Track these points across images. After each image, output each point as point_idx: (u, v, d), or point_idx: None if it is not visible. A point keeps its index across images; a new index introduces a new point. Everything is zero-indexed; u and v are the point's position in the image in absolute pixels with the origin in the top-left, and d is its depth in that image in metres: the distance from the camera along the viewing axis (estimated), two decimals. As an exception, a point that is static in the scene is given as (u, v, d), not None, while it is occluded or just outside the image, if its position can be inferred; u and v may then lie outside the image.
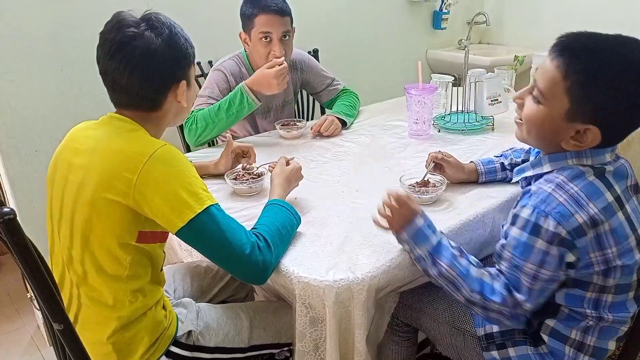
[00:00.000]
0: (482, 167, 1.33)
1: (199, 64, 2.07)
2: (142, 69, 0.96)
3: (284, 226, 1.07)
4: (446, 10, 3.06)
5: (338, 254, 1.05)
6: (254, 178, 1.36)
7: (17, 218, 0.77)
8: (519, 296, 0.90)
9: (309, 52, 2.25)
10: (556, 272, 0.89)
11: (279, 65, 1.63)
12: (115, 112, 1.03)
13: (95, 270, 0.98)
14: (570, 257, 0.87)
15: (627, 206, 0.90)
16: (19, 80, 1.76)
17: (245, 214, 1.23)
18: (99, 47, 0.98)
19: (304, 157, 1.59)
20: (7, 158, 1.79)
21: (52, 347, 1.88)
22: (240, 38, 1.79)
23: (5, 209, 0.76)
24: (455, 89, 1.92)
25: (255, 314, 1.18)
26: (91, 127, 1.04)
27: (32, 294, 1.90)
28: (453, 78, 2.00)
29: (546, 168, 0.94)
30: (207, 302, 1.26)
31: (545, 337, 0.99)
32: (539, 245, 0.86)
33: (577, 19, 2.87)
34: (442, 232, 1.03)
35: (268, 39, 1.71)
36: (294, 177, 1.26)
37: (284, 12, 1.71)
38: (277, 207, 1.11)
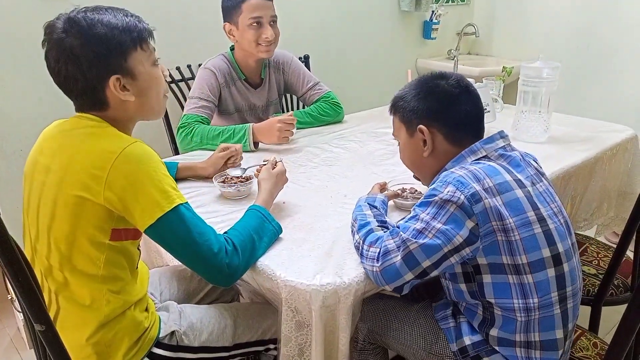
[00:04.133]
0: None
1: (189, 66, 2.07)
2: (65, 71, 0.94)
3: (256, 231, 1.06)
4: (436, 21, 3.10)
5: (325, 258, 1.05)
6: (242, 181, 1.36)
7: (1, 217, 0.76)
8: (397, 240, 0.96)
9: (300, 58, 2.26)
10: (448, 234, 0.93)
11: (289, 118, 1.66)
12: (80, 113, 1.01)
13: (72, 274, 0.96)
14: (470, 224, 0.93)
15: (529, 188, 0.99)
16: (6, 81, 1.74)
17: (232, 217, 1.22)
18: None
19: (293, 161, 1.59)
20: (-9, 157, 1.77)
21: (31, 350, 1.85)
22: (225, 30, 1.79)
23: (-11, 207, 0.75)
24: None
25: (239, 312, 1.18)
26: (63, 128, 1.02)
27: (13, 296, 1.86)
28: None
29: None
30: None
31: (496, 347, 1.02)
32: (437, 199, 0.96)
33: (563, 34, 2.93)
34: (382, 216, 1.13)
35: (259, 24, 1.72)
36: (281, 181, 1.26)
37: None
38: (254, 213, 1.12)
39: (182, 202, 0.95)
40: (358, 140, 1.79)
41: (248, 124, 1.70)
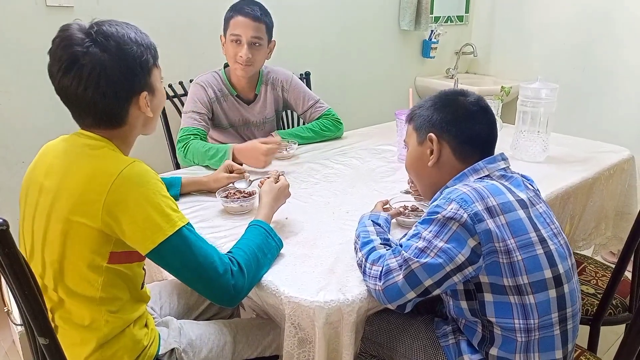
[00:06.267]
0: None
1: (180, 83, 2.09)
2: (94, 88, 0.90)
3: (260, 249, 1.06)
4: (435, 40, 3.15)
5: (328, 275, 1.05)
6: (245, 196, 1.37)
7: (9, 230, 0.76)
8: (399, 259, 0.96)
9: (301, 75, 2.29)
10: (451, 253, 0.93)
11: (274, 144, 1.66)
12: (82, 130, 0.99)
13: (67, 295, 0.95)
14: (472, 242, 0.94)
15: (530, 209, 1.00)
16: (13, 92, 1.76)
17: (235, 232, 1.22)
18: (50, 67, 0.93)
19: (294, 177, 1.60)
20: (-7, 168, 1.78)
21: (28, 364, 1.83)
22: (221, 41, 1.84)
23: (-2, 220, 0.75)
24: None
25: (239, 329, 1.17)
26: (58, 147, 1.00)
27: (10, 308, 1.85)
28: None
29: None
30: (193, 320, 1.25)
31: None
32: (440, 217, 0.96)
33: (561, 54, 2.98)
34: (384, 233, 1.13)
35: (238, 42, 1.75)
36: (282, 195, 1.26)
37: (257, 19, 1.75)
38: (257, 229, 1.11)
39: (184, 224, 0.93)
40: (359, 157, 1.81)
41: (230, 144, 1.69)
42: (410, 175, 1.20)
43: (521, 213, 0.98)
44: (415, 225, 1.01)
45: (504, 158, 1.08)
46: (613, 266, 1.36)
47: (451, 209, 0.95)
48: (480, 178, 1.04)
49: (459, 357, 1.06)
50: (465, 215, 0.94)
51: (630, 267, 1.34)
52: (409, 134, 1.16)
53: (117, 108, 0.95)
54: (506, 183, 1.03)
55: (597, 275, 1.56)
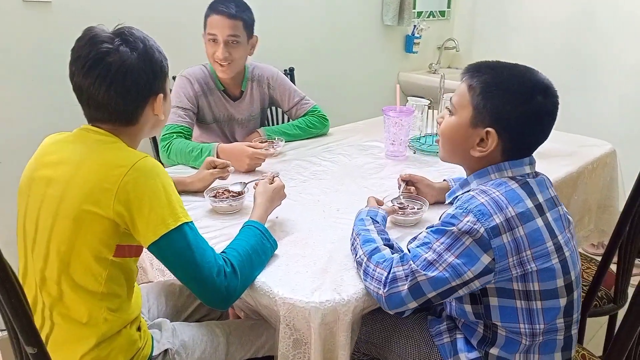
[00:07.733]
0: (454, 184, 1.35)
1: (173, 78, 2.05)
2: (118, 85, 0.95)
3: (255, 251, 1.05)
4: (418, 35, 3.16)
5: (322, 274, 1.04)
6: (234, 196, 1.35)
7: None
8: (406, 268, 0.93)
9: (285, 71, 2.27)
10: (459, 270, 0.91)
11: (262, 149, 1.63)
12: (89, 125, 1.01)
13: (71, 288, 0.95)
14: (486, 259, 0.90)
15: (548, 214, 0.96)
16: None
17: (224, 232, 1.21)
18: (72, 64, 0.97)
19: (283, 175, 1.57)
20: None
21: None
22: (203, 40, 1.80)
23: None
24: (430, 111, 1.97)
25: (232, 330, 1.17)
26: (67, 140, 1.02)
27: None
28: (429, 101, 2.04)
29: (473, 186, 1.01)
30: (182, 322, 1.23)
31: None
32: (454, 230, 0.92)
33: (543, 50, 3.01)
34: (385, 232, 1.10)
35: (215, 41, 1.72)
36: (277, 196, 1.25)
37: (233, 16, 1.70)
38: (252, 230, 1.10)
39: (187, 221, 0.95)
40: (346, 154, 1.80)
41: (214, 143, 1.66)
42: (441, 139, 1.08)
43: (539, 221, 0.94)
44: (427, 232, 0.97)
45: (531, 162, 1.01)
46: (596, 258, 1.38)
47: (467, 221, 0.91)
48: (502, 179, 0.98)
49: (455, 355, 1.05)
50: (481, 230, 0.90)
51: (615, 259, 1.37)
52: (464, 104, 1.00)
53: (134, 107, 1.00)
54: (529, 181, 0.98)
55: (582, 267, 1.59)
